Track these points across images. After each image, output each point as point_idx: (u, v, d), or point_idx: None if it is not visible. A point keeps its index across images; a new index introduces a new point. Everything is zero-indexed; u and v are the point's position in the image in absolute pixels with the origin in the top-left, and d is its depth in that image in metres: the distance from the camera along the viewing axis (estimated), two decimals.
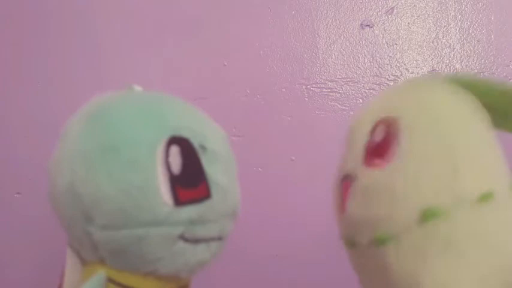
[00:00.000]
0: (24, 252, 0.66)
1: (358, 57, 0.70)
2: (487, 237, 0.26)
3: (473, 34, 0.71)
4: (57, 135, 0.35)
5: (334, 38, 0.71)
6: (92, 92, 0.36)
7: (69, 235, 0.34)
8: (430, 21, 0.71)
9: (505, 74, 0.70)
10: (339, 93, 0.70)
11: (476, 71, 0.71)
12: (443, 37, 0.71)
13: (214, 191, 0.32)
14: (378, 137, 0.29)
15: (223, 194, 0.32)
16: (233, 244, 0.68)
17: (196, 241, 0.32)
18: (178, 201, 0.30)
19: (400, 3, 0.71)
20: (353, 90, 0.70)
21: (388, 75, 0.70)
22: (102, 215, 0.30)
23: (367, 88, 0.70)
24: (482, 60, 0.71)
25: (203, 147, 0.32)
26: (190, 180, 0.31)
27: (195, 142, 0.32)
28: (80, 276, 0.34)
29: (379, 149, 0.29)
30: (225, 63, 0.69)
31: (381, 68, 0.70)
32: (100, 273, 0.32)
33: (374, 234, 0.28)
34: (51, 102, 0.67)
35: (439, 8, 0.71)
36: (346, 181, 0.31)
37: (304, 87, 0.69)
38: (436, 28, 0.71)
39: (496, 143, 0.29)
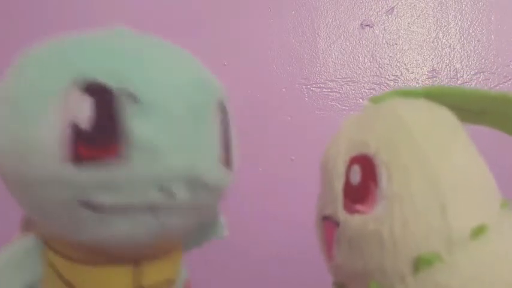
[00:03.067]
0: None
1: (358, 57, 0.70)
2: (487, 273, 0.24)
3: (473, 34, 0.71)
4: None
5: (334, 38, 0.71)
6: None
7: None
8: (430, 21, 0.71)
9: (505, 74, 0.70)
10: (339, 93, 0.70)
11: (476, 71, 0.71)
12: (443, 37, 0.71)
13: (134, 152, 0.25)
14: (355, 179, 0.27)
15: (151, 157, 0.25)
16: (233, 244, 0.67)
17: (107, 212, 0.26)
18: (77, 159, 0.24)
19: (400, 3, 0.71)
20: (353, 90, 0.70)
21: (388, 75, 0.70)
22: (5, 173, 0.26)
23: (367, 88, 0.70)
24: (483, 60, 0.71)
25: (133, 98, 0.25)
26: (97, 136, 0.24)
27: (120, 90, 0.25)
28: None
29: (358, 193, 0.27)
30: (225, 63, 0.69)
31: (381, 68, 0.70)
32: (31, 235, 0.29)
33: (367, 286, 0.26)
34: None
35: (439, 8, 0.71)
36: (327, 221, 0.29)
37: (304, 87, 0.69)
38: (436, 28, 0.71)
39: (479, 158, 0.28)
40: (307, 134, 0.68)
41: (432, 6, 0.71)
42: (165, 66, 0.28)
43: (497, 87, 0.70)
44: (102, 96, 0.25)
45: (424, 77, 0.70)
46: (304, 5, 0.70)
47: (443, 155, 0.26)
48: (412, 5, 0.71)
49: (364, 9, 0.71)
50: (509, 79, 0.70)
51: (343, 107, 0.69)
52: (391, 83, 0.70)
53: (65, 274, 0.28)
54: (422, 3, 0.71)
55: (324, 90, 0.70)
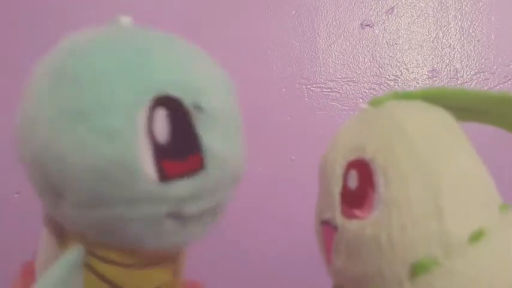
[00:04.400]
0: (24, 252, 0.66)
1: (358, 57, 0.70)
2: (486, 278, 0.24)
3: (473, 34, 0.71)
4: None
5: (334, 38, 0.70)
6: None
7: (44, 205, 0.30)
8: (430, 21, 0.71)
9: (505, 74, 0.70)
10: (339, 93, 0.70)
11: (476, 70, 0.71)
12: (443, 37, 0.71)
13: (209, 162, 0.26)
14: (352, 183, 0.27)
15: (221, 163, 0.27)
16: (233, 244, 0.67)
17: (187, 219, 0.27)
18: (165, 177, 0.25)
19: (400, 3, 0.71)
20: (353, 90, 0.70)
21: (388, 75, 0.70)
22: (72, 193, 0.25)
23: (367, 88, 0.70)
24: (483, 60, 0.71)
25: (199, 108, 0.25)
26: (179, 151, 0.25)
27: (188, 101, 0.25)
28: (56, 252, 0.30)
29: (355, 198, 0.27)
30: (226, 64, 0.69)
31: (381, 68, 0.70)
32: (76, 248, 0.28)
33: None
34: None
35: (439, 8, 0.71)
36: (326, 225, 0.29)
37: (304, 87, 0.69)
38: (436, 28, 0.71)
39: (478, 160, 0.27)
40: (307, 134, 0.68)
41: (432, 6, 0.71)
42: (212, 73, 0.29)
43: (497, 87, 0.70)
44: (175, 110, 0.25)
45: (424, 77, 0.71)
46: (304, 5, 0.70)
47: (441, 159, 0.26)
48: (412, 5, 0.71)
49: (364, 9, 0.71)
50: (509, 79, 0.70)
51: (343, 107, 0.69)
52: (391, 83, 0.70)
53: (111, 278, 0.29)
54: (422, 3, 0.71)
55: (324, 90, 0.70)
